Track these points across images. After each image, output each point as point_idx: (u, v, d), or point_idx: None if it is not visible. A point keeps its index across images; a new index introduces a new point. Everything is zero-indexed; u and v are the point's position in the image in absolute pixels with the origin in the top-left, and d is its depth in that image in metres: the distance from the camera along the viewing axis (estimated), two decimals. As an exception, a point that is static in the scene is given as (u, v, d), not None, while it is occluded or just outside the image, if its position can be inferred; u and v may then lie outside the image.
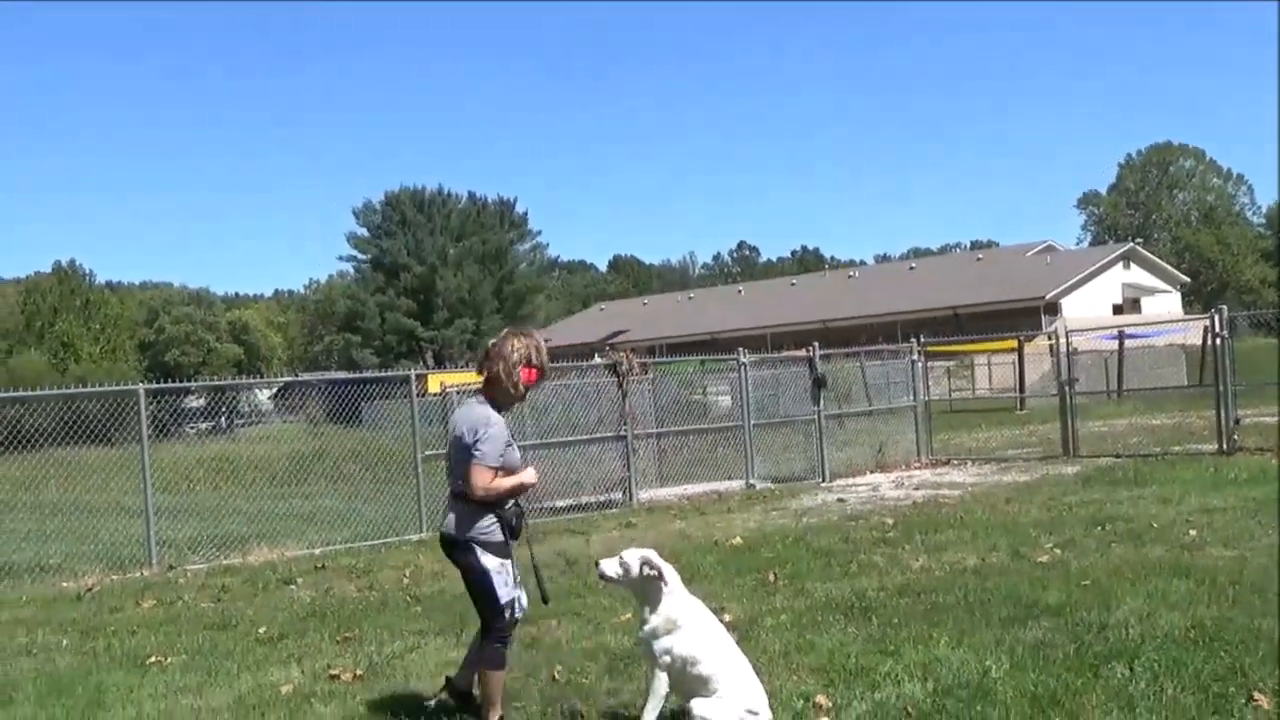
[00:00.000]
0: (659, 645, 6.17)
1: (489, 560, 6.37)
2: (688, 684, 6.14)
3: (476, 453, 6.28)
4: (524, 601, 6.61)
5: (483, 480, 6.28)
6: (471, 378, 26.36)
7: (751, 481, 19.52)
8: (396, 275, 79.48)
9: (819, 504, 16.79)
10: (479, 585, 6.45)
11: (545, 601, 6.76)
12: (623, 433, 18.45)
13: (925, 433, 22.55)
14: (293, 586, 12.25)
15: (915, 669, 7.06)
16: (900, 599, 9.22)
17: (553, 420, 18.81)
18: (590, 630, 9.01)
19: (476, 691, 6.66)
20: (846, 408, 23.02)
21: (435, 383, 20.68)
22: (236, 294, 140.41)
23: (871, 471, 20.89)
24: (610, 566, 6.36)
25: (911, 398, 22.75)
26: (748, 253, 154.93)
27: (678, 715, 6.31)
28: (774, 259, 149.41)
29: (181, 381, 19.03)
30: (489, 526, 6.37)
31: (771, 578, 10.51)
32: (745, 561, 11.63)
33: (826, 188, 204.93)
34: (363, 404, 22.27)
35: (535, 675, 7.66)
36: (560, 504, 18.00)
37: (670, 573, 6.24)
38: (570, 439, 18.48)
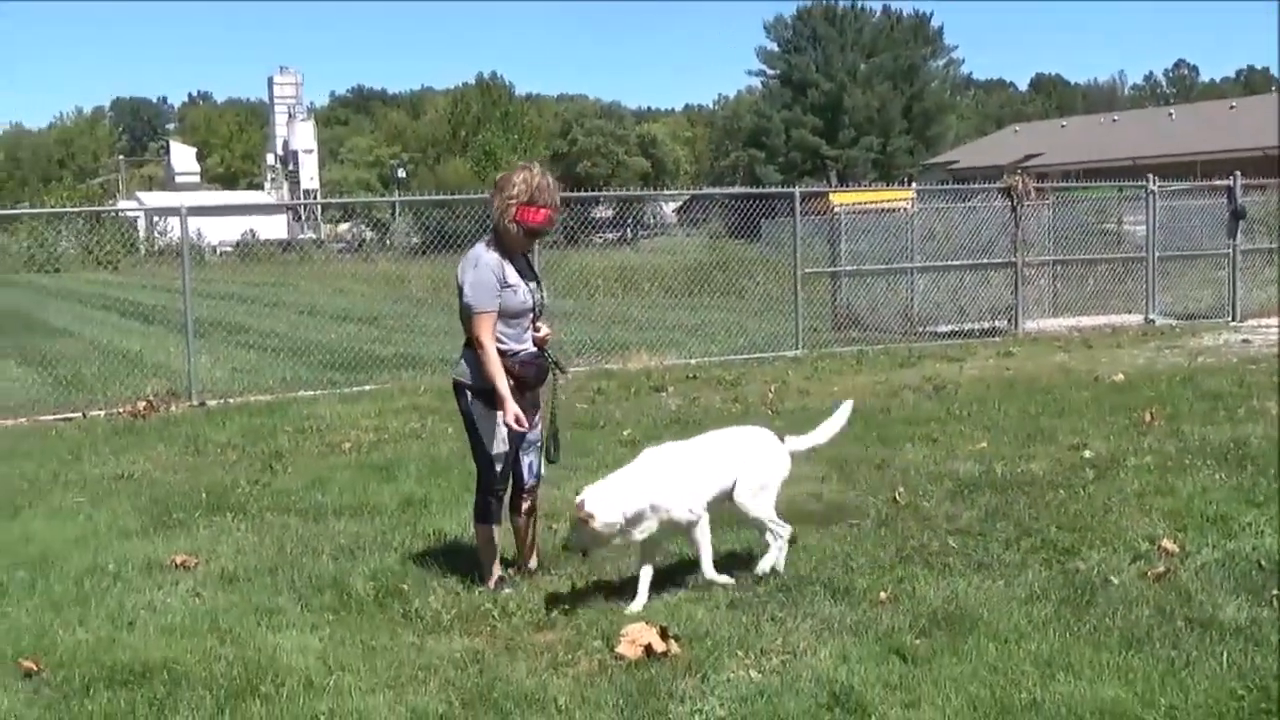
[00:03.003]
0: (674, 519, 5.92)
1: (477, 407, 6.06)
2: (730, 500, 6.15)
3: (467, 300, 5.96)
4: (538, 468, 6.36)
5: (482, 332, 5.93)
6: (866, 196, 26.07)
7: (1151, 316, 18.42)
8: (804, 92, 78.78)
9: (1220, 344, 15.69)
10: (467, 431, 6.21)
11: (551, 460, 6.44)
12: (1013, 259, 17.79)
13: (1367, 274, 20.43)
14: (663, 394, 12.69)
15: (1280, 523, 6.58)
16: (1285, 449, 8.55)
17: (944, 244, 18.37)
18: (943, 455, 8.89)
19: (533, 565, 6.46)
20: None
21: (837, 200, 20.48)
22: (647, 108, 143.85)
23: (1292, 314, 19.22)
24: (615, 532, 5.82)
25: (1355, 234, 20.61)
26: (1185, 72, 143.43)
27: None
28: (1215, 79, 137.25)
29: (591, 192, 19.72)
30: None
31: (1147, 418, 9.95)
32: (1122, 399, 11.06)
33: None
34: (763, 221, 22.33)
35: (875, 495, 7.67)
36: (943, 329, 17.74)
37: (602, 497, 5.78)
38: (957, 263, 18.05)
